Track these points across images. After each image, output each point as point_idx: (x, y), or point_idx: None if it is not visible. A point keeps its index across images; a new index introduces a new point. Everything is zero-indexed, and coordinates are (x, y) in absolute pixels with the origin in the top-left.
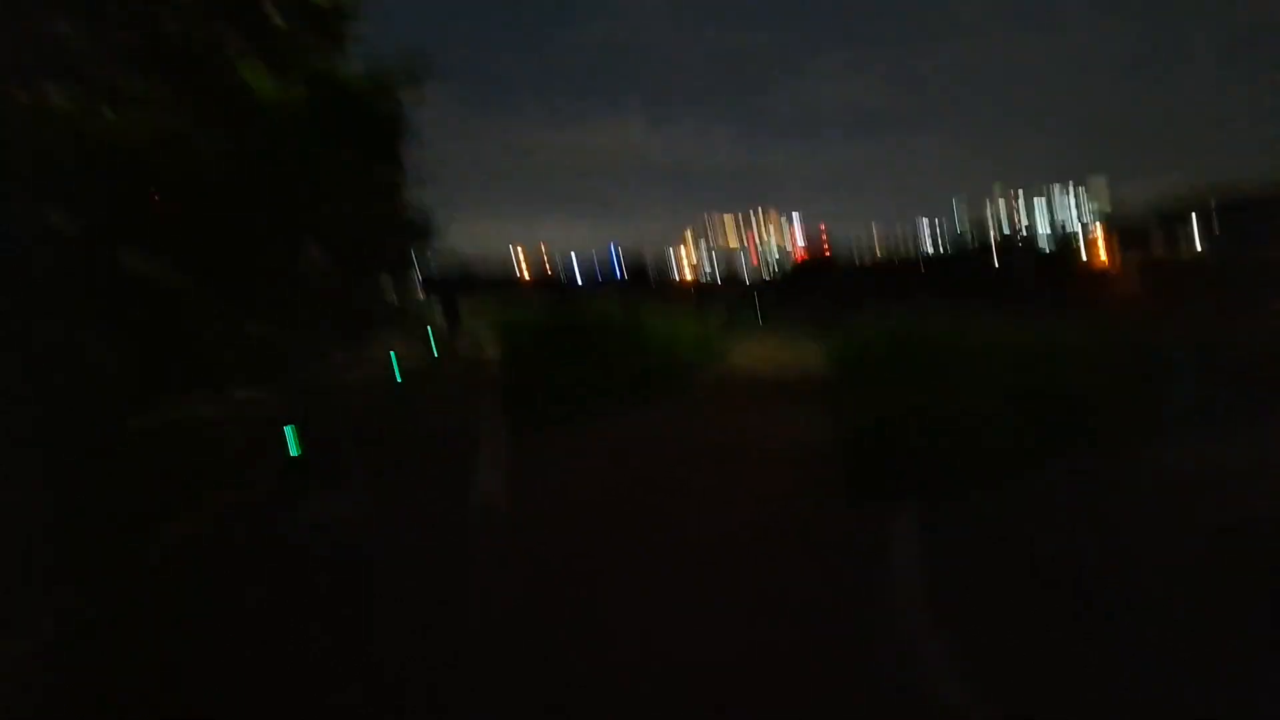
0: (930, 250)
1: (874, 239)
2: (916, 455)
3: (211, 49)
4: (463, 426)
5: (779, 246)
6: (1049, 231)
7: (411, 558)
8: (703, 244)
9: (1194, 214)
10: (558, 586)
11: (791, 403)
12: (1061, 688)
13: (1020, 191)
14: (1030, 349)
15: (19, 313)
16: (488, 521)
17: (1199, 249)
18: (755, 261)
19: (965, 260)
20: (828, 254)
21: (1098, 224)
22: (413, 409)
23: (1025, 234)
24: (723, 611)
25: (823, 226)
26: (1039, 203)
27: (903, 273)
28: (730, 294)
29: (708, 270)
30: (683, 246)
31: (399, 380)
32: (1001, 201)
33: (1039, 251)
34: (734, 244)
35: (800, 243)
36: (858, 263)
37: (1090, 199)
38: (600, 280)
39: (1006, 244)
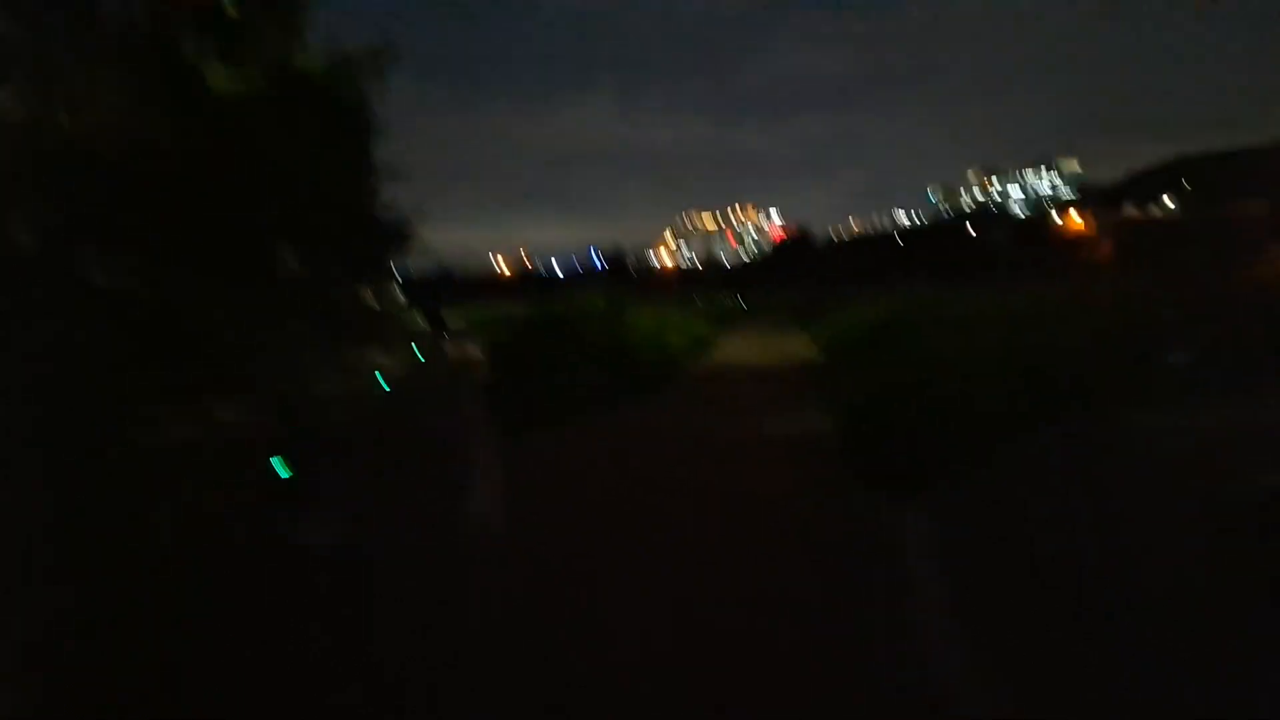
0: (907, 223)
1: (850, 217)
2: (915, 439)
3: (160, 39)
4: (452, 433)
5: (755, 228)
6: (1024, 198)
7: (404, 569)
8: (681, 242)
9: (1165, 176)
10: (556, 590)
11: (784, 390)
12: (1069, 682)
13: (994, 178)
14: (1015, 318)
15: None
16: (482, 529)
17: (1172, 209)
18: (734, 245)
19: (942, 232)
20: (805, 235)
21: (1072, 192)
22: (400, 417)
23: (1000, 203)
24: (726, 611)
25: (791, 221)
26: (1012, 188)
27: (880, 249)
28: (711, 281)
29: (687, 258)
30: (661, 247)
31: (384, 388)
32: (975, 188)
33: (1014, 219)
34: (711, 227)
35: (778, 225)
36: (835, 240)
37: (1063, 180)
38: (581, 275)
39: (982, 214)
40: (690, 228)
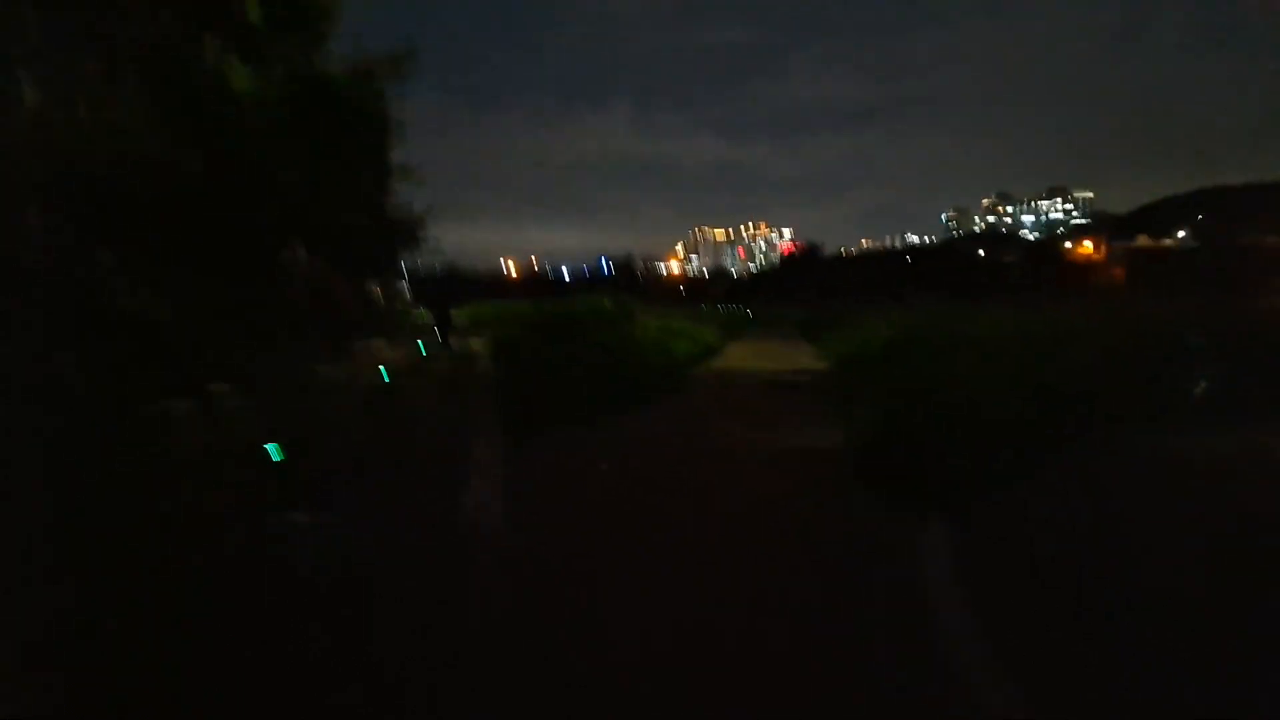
0: (916, 241)
1: (861, 239)
2: (934, 456)
3: (185, 45)
4: (454, 431)
5: (766, 240)
6: (1036, 221)
7: (403, 569)
8: (693, 255)
9: (1179, 207)
10: (556, 591)
11: (792, 400)
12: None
13: (1007, 205)
14: (1029, 338)
15: None
16: (482, 531)
17: (1184, 238)
18: (743, 256)
19: (952, 251)
20: (813, 249)
21: (1085, 220)
22: (401, 413)
23: (1011, 226)
24: (727, 615)
25: (802, 241)
26: (1027, 219)
27: (889, 264)
28: (719, 291)
29: (696, 268)
30: (672, 260)
31: (387, 382)
32: (991, 217)
33: (1026, 242)
34: (723, 240)
35: (788, 242)
36: (844, 254)
37: (1077, 213)
38: (590, 280)
39: (993, 236)
40: (702, 240)
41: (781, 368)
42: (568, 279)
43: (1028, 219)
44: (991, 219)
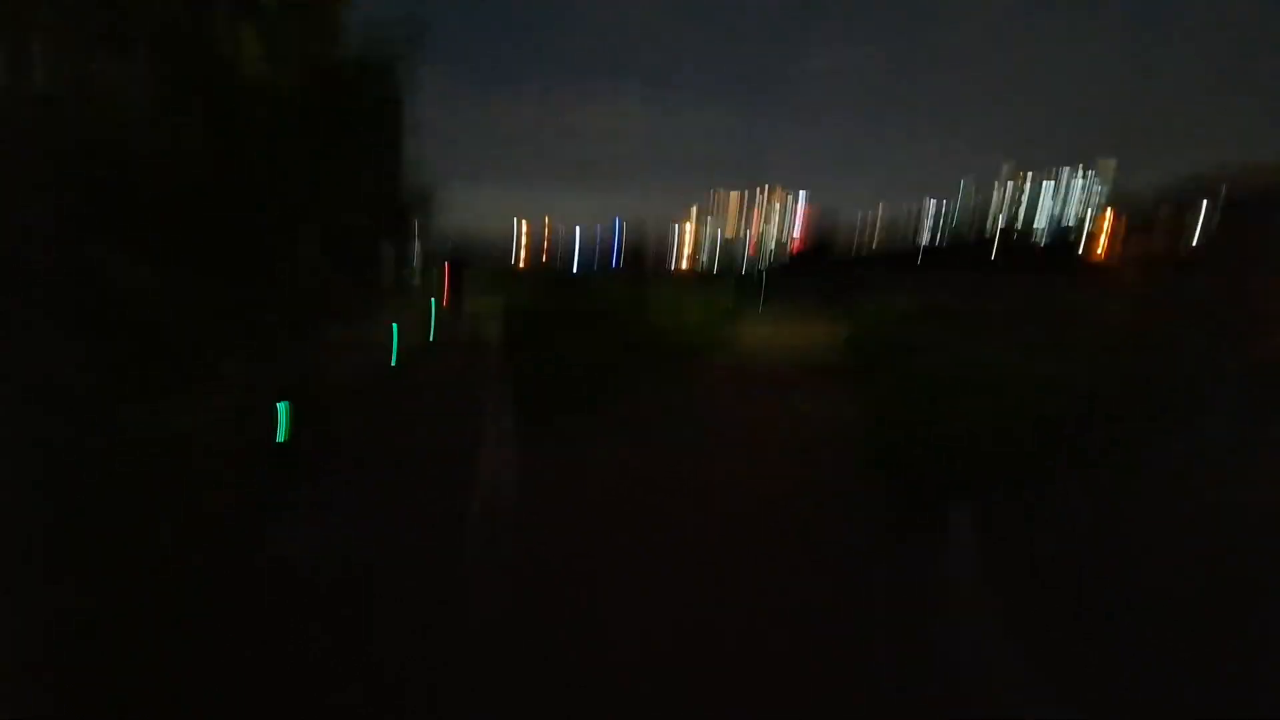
0: (927, 239)
1: (874, 224)
2: (955, 453)
3: (197, 27)
4: (463, 412)
5: (776, 235)
6: (1050, 220)
7: (403, 560)
8: (704, 230)
9: (1203, 200)
10: (561, 587)
11: (810, 387)
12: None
13: (1029, 175)
14: (1049, 333)
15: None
16: (493, 521)
17: (1208, 235)
18: (753, 250)
19: (962, 251)
20: (823, 243)
21: (1104, 211)
22: (409, 393)
23: (1023, 226)
24: (728, 613)
25: (818, 208)
26: (1047, 186)
27: (899, 264)
28: (729, 281)
29: (705, 258)
30: (686, 224)
31: (395, 364)
32: (1010, 184)
33: (1047, 219)
34: (731, 233)
35: (797, 232)
36: (854, 252)
37: (1099, 182)
38: (599, 263)
39: (1005, 236)
40: (717, 206)
41: (797, 352)
42: (581, 252)
43: (1049, 192)
44: (1013, 194)
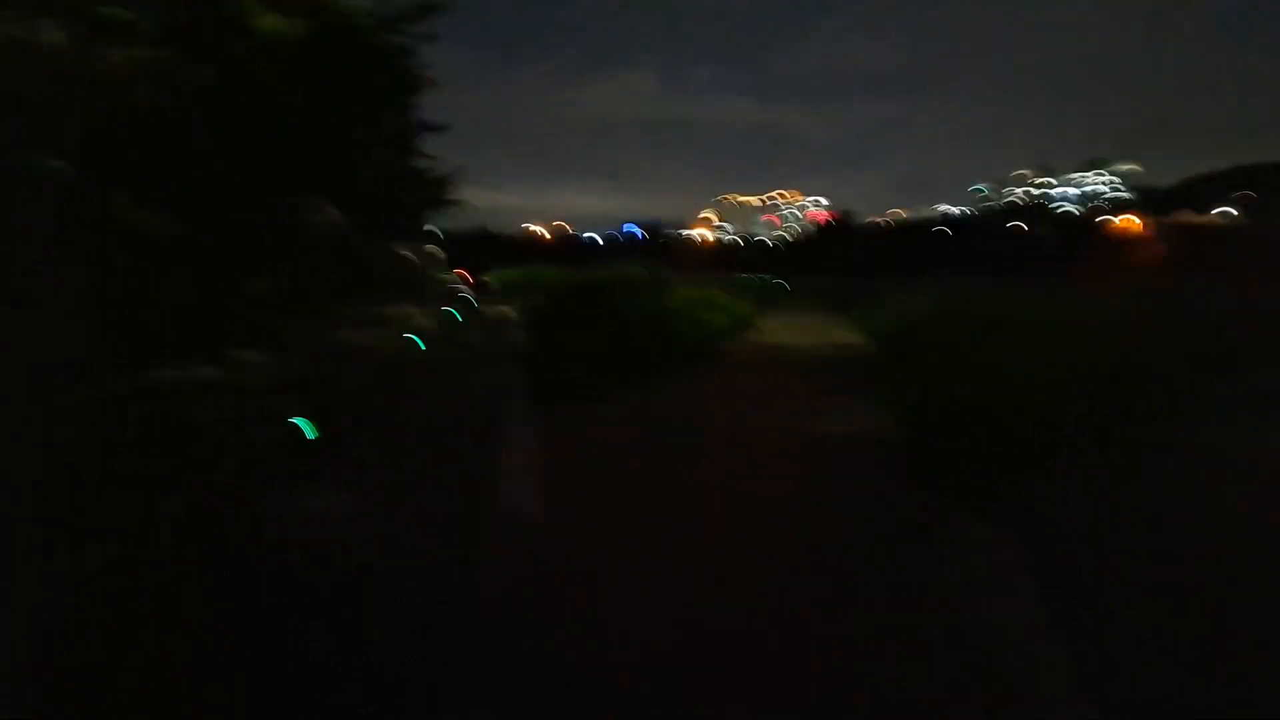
0: (955, 211)
1: (896, 204)
2: (990, 448)
3: None
4: (490, 400)
5: (799, 208)
6: (1078, 194)
7: (422, 554)
8: (723, 224)
9: (1226, 183)
10: (582, 586)
11: (831, 379)
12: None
13: (1047, 176)
14: (1077, 324)
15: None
16: (515, 516)
17: (1234, 215)
18: (777, 223)
19: (991, 225)
20: (848, 219)
21: (1129, 194)
22: (436, 379)
23: (1052, 199)
24: (759, 616)
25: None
26: (1067, 188)
27: (926, 237)
28: (752, 260)
29: (729, 237)
30: (702, 224)
31: (422, 348)
32: (1028, 186)
33: (1067, 216)
34: (754, 204)
35: (821, 211)
36: (881, 225)
37: (1121, 175)
38: (620, 243)
39: (1033, 209)
40: (733, 205)
41: (817, 341)
42: (600, 242)
43: (1069, 191)
44: (1031, 193)
